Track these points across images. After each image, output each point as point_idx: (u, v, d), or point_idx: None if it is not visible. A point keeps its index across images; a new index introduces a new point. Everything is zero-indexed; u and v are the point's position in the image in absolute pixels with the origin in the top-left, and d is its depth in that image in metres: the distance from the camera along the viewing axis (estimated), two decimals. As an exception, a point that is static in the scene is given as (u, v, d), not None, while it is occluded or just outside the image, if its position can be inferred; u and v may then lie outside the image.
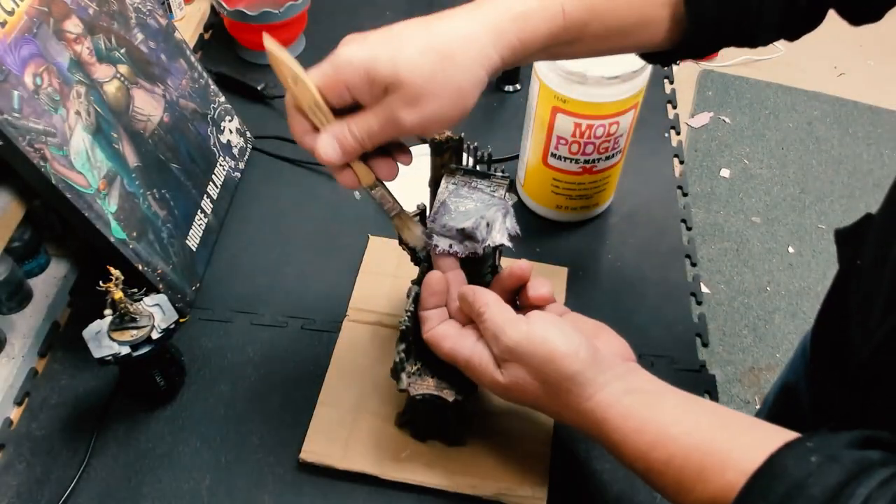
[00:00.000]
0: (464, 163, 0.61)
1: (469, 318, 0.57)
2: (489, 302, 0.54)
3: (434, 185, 0.62)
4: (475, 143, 0.60)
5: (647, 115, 0.89)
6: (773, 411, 0.86)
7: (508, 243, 0.57)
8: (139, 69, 0.74)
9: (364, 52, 0.49)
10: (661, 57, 0.60)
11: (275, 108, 0.95)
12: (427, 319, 0.57)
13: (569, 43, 0.54)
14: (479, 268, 0.61)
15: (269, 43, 0.51)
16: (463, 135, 0.60)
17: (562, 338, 0.51)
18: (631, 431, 0.49)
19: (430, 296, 0.57)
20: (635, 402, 0.50)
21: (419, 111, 0.49)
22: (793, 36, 0.59)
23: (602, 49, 0.57)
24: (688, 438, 0.47)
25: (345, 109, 0.51)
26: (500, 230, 0.57)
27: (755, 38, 0.57)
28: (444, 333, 0.56)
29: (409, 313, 0.57)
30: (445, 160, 0.61)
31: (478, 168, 0.61)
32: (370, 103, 0.50)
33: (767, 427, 0.46)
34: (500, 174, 0.61)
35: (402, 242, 0.63)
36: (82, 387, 0.69)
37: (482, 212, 0.57)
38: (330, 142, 0.51)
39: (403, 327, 0.57)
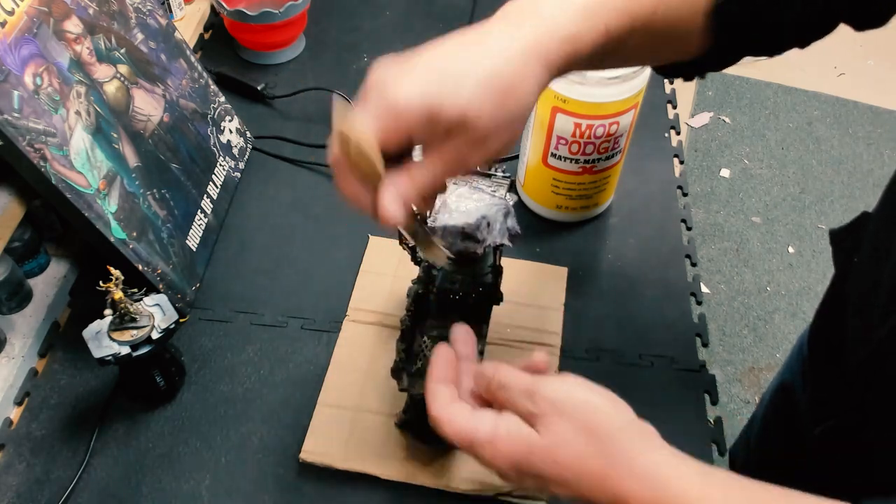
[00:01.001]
0: None
1: (482, 402, 0.50)
2: (510, 373, 0.48)
3: None
4: None
5: (647, 115, 0.89)
6: (770, 410, 0.86)
7: (509, 243, 0.57)
8: (139, 69, 0.74)
9: (420, 91, 0.44)
10: (686, 69, 0.59)
11: (275, 108, 0.95)
12: (437, 395, 0.49)
13: (603, 57, 0.52)
14: (480, 267, 0.61)
15: (343, 120, 0.44)
16: None
17: (601, 395, 0.46)
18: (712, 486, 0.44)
19: (439, 368, 0.51)
20: (695, 467, 0.45)
21: (486, 150, 0.46)
22: (806, 43, 0.59)
23: (631, 62, 0.56)
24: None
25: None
26: (501, 230, 0.57)
27: (779, 47, 0.56)
28: (457, 412, 0.48)
29: (409, 313, 0.57)
30: None
31: (478, 168, 0.61)
32: (428, 145, 0.46)
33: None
34: (500, 174, 0.61)
35: (402, 242, 0.63)
36: (82, 387, 0.69)
37: (483, 211, 0.57)
38: (395, 200, 0.46)
39: (404, 327, 0.57)
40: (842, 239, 0.68)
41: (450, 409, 0.48)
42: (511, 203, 0.59)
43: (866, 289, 0.59)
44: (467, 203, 0.58)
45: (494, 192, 0.59)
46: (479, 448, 0.46)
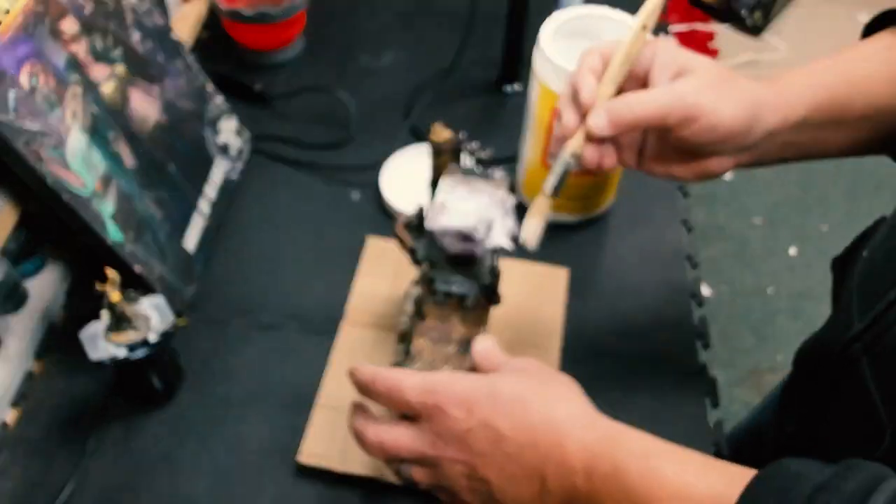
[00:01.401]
0: (464, 161, 0.61)
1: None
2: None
3: (433, 185, 0.62)
4: (475, 144, 0.60)
5: (647, 116, 0.88)
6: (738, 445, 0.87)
7: (507, 245, 0.57)
8: (136, 69, 0.73)
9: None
10: None
11: (273, 108, 0.95)
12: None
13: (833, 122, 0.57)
14: (478, 269, 0.61)
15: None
16: (462, 135, 0.59)
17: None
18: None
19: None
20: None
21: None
22: None
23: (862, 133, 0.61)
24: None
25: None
26: (500, 231, 0.56)
27: None
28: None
29: (408, 315, 0.57)
30: (445, 160, 0.60)
31: (477, 169, 0.61)
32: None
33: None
34: (499, 175, 0.60)
35: (401, 244, 0.63)
36: (78, 389, 0.69)
37: (481, 212, 0.56)
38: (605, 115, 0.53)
39: (403, 329, 0.56)
40: (845, 258, 0.68)
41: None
42: (510, 204, 0.58)
43: (874, 269, 0.59)
44: (466, 204, 0.57)
45: (493, 193, 0.59)
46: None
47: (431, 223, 0.57)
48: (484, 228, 0.56)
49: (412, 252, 0.62)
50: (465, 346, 0.61)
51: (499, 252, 0.60)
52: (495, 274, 0.61)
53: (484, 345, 0.53)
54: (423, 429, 0.48)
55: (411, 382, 0.49)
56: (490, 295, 0.62)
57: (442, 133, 0.58)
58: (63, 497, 0.62)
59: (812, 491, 0.38)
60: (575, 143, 0.54)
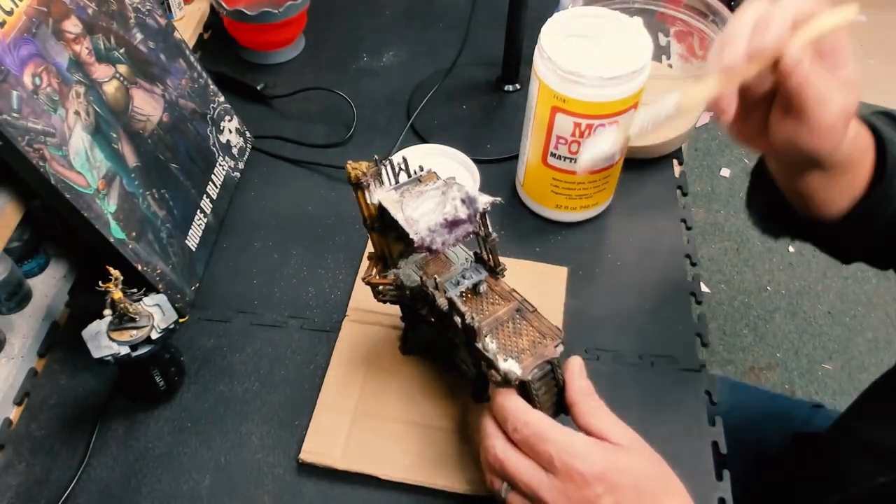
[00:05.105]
0: (388, 182, 0.60)
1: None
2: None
3: (370, 224, 0.60)
4: (386, 159, 0.58)
5: (646, 115, 0.88)
6: None
7: (490, 199, 0.56)
8: (138, 69, 0.74)
9: None
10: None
11: (274, 107, 0.95)
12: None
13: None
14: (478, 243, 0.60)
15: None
16: (377, 157, 0.58)
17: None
18: None
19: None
20: None
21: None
22: None
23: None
24: None
25: None
26: (476, 196, 0.56)
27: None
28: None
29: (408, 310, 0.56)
30: (370, 189, 0.59)
31: (401, 178, 0.60)
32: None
33: None
34: (422, 171, 0.59)
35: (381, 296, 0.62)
36: (82, 387, 0.69)
37: (445, 199, 0.56)
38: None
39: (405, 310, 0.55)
40: None
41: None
42: (456, 179, 0.57)
43: None
44: (424, 204, 0.57)
45: (434, 186, 0.58)
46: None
47: (416, 233, 0.56)
48: (461, 205, 0.55)
49: (375, 288, 0.61)
50: (514, 317, 0.59)
51: (487, 217, 0.59)
52: (492, 245, 0.60)
53: (579, 384, 0.56)
54: (552, 482, 0.50)
55: (557, 439, 0.51)
56: (493, 269, 0.61)
57: (359, 166, 0.58)
58: (66, 493, 0.62)
59: None
60: (700, 89, 0.52)
